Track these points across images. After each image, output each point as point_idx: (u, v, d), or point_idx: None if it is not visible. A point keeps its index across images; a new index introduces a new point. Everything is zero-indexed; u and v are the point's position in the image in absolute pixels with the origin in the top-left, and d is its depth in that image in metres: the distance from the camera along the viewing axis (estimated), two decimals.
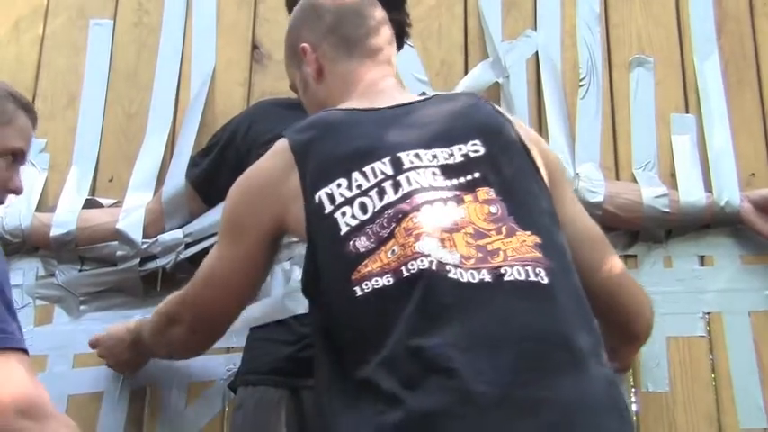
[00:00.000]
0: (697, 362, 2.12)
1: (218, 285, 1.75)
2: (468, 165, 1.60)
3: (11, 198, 1.99)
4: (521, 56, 2.44)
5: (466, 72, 2.44)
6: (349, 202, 1.56)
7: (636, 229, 2.22)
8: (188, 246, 2.26)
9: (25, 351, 1.55)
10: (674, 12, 2.45)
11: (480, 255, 1.48)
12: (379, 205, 1.54)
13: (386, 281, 1.47)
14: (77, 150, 2.44)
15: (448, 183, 1.57)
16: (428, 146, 1.62)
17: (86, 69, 2.53)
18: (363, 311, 1.47)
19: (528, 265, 1.47)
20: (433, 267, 1.45)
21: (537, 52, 2.44)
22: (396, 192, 1.55)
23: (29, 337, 2.19)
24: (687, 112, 2.34)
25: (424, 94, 2.31)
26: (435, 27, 2.51)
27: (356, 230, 1.53)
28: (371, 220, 1.53)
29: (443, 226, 1.51)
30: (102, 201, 2.38)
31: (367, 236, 1.52)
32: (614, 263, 1.77)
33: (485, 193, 1.56)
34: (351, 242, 1.52)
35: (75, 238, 2.29)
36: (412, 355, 1.39)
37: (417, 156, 1.60)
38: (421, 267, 1.45)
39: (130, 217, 2.30)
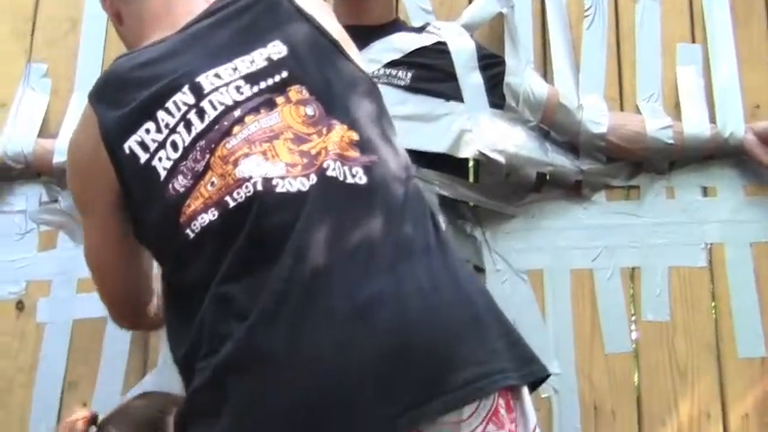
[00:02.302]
0: (698, 292, 2.14)
1: (100, 256, 1.70)
2: (272, 67, 1.53)
3: None
4: None
5: (470, 2, 2.41)
6: (162, 145, 1.49)
7: (639, 161, 2.22)
8: None
9: None
10: None
11: (305, 160, 1.43)
12: (188, 139, 1.48)
13: (211, 216, 1.42)
14: (79, 76, 2.42)
15: (255, 89, 1.51)
16: (227, 59, 1.54)
17: None
18: (198, 254, 1.43)
19: (345, 163, 1.44)
20: (260, 188, 1.40)
21: None
22: (202, 120, 1.49)
23: (33, 262, 2.23)
24: (693, 43, 2.33)
25: (428, 24, 2.31)
26: None
27: (172, 171, 1.47)
28: (184, 157, 1.47)
29: (261, 137, 1.45)
30: None
31: (183, 174, 1.47)
32: None
33: (296, 92, 1.51)
34: (170, 185, 1.47)
35: None
36: (241, 290, 1.36)
37: (217, 75, 1.53)
38: (248, 194, 1.41)
39: None
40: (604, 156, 2.21)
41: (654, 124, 2.20)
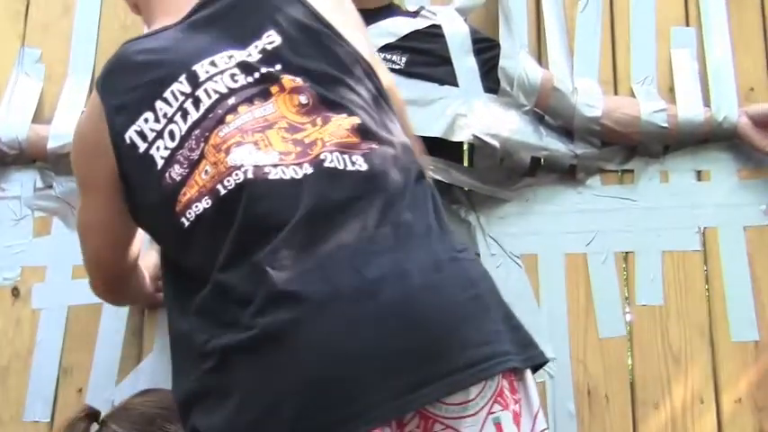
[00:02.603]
0: (691, 276, 2.14)
1: (93, 234, 1.72)
2: (267, 57, 1.54)
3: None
4: None
5: None
6: (160, 134, 1.51)
7: (633, 145, 2.21)
8: None
9: None
10: None
11: (299, 149, 1.44)
12: (185, 128, 1.50)
13: (205, 204, 1.44)
14: (73, 61, 2.41)
15: (250, 79, 1.52)
16: (223, 48, 1.56)
17: None
18: (194, 241, 1.45)
19: (345, 152, 1.44)
20: (250, 176, 1.41)
21: None
22: (197, 109, 1.50)
23: (28, 248, 2.24)
24: (687, 26, 2.32)
25: (422, 8, 2.31)
26: None
27: (169, 160, 1.49)
28: (181, 146, 1.49)
29: (254, 127, 1.46)
30: None
31: (179, 163, 1.48)
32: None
33: (290, 81, 1.51)
34: (167, 174, 1.49)
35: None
36: (242, 277, 1.37)
37: (213, 63, 1.54)
38: (237, 182, 1.42)
39: None
40: (599, 140, 2.20)
41: (648, 108, 2.19)
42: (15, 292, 2.23)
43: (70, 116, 2.31)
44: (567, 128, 2.21)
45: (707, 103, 2.21)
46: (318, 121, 1.48)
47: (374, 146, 1.47)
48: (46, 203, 2.29)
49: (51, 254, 2.25)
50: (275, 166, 1.42)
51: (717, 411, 2.05)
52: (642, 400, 2.07)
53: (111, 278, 1.82)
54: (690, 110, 2.19)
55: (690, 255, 2.15)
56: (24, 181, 2.31)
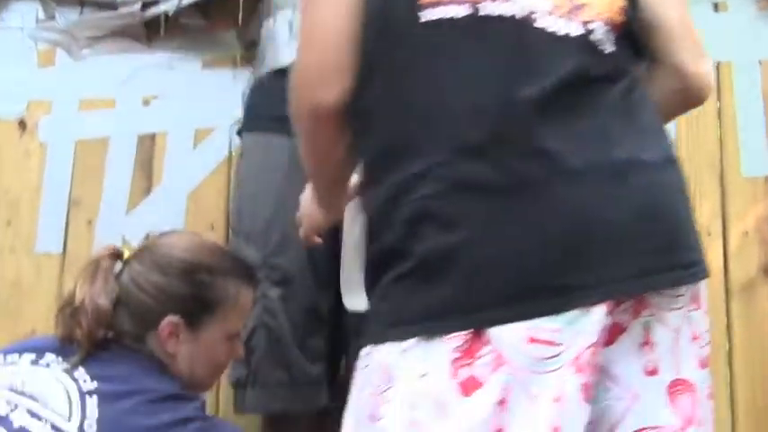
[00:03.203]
0: (703, 112, 2.10)
1: (330, 30, 1.39)
2: None
3: None
4: None
5: None
6: None
7: None
8: None
9: None
10: None
11: (571, 5, 1.36)
12: None
13: (457, 12, 1.33)
14: None
15: None
16: None
17: None
18: (425, 40, 1.34)
19: (610, 30, 1.37)
20: (517, 16, 1.34)
21: None
22: None
23: (33, 80, 2.22)
24: None
25: None
26: None
27: None
28: None
29: None
30: None
31: None
32: None
33: None
34: None
35: None
36: (494, 114, 1.29)
37: None
38: (502, 14, 1.33)
39: None
40: None
41: None
42: (22, 125, 2.22)
43: None
44: None
45: None
46: None
47: (626, 34, 1.39)
48: (49, 35, 2.25)
49: (57, 87, 2.23)
50: (549, 13, 1.34)
51: (723, 244, 2.06)
52: None
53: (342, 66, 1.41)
54: None
55: None
56: (25, 12, 2.27)
